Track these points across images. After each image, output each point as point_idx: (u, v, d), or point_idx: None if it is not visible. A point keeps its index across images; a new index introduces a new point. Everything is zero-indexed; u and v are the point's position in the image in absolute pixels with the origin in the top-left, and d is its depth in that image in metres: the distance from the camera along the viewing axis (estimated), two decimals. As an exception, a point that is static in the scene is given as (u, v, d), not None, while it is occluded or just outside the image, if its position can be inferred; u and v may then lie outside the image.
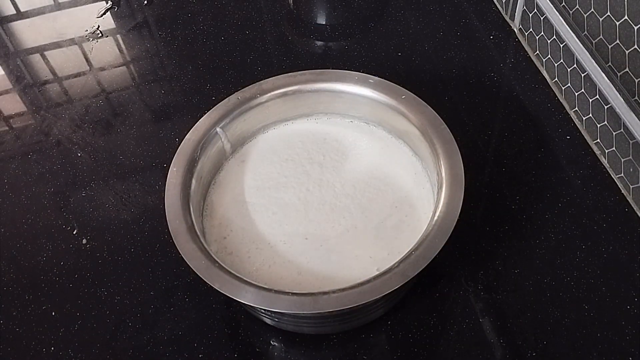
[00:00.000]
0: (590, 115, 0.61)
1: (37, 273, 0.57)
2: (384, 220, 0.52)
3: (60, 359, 0.52)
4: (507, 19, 0.75)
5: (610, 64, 0.57)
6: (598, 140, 0.61)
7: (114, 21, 0.81)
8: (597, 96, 0.59)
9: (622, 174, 0.58)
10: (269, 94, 0.56)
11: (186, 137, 0.53)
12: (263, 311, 0.49)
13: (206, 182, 0.55)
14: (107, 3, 0.82)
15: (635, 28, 0.52)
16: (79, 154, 0.67)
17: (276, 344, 0.52)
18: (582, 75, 0.61)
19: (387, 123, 0.57)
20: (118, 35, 0.80)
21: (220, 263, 0.46)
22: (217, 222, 0.53)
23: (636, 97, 0.54)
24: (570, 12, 0.61)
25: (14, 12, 0.85)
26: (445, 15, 0.77)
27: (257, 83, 0.57)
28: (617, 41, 0.55)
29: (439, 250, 0.45)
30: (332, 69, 0.58)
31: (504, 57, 0.72)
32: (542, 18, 0.66)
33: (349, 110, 0.58)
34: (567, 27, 0.61)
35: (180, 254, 0.46)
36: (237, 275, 0.45)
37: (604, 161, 0.61)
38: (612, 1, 0.54)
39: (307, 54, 0.75)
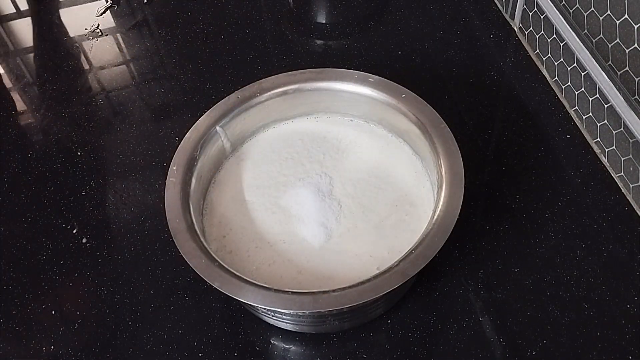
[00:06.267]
0: (590, 114, 0.61)
1: (37, 272, 0.57)
2: (384, 219, 0.52)
3: (60, 358, 0.52)
4: (507, 17, 0.75)
5: (610, 62, 0.56)
6: (598, 139, 0.61)
7: (114, 20, 0.81)
8: (597, 95, 0.59)
9: (622, 173, 0.58)
10: (268, 93, 0.56)
11: (186, 135, 0.53)
12: (263, 310, 0.49)
13: (206, 180, 0.55)
14: (106, 2, 0.82)
15: (636, 27, 0.52)
16: (79, 153, 0.67)
17: (276, 342, 0.52)
18: (582, 74, 0.61)
19: (387, 122, 0.57)
20: (118, 34, 0.80)
21: (220, 262, 0.46)
22: (216, 220, 0.53)
23: (636, 96, 0.54)
24: (570, 11, 0.61)
25: (14, 10, 0.84)
26: (445, 14, 0.77)
27: (257, 82, 0.57)
28: (617, 40, 0.55)
29: (439, 249, 0.45)
30: (332, 67, 0.58)
31: (504, 56, 0.71)
32: (542, 17, 0.66)
33: (348, 109, 0.58)
34: (567, 26, 0.61)
35: (180, 253, 0.46)
36: (237, 274, 0.45)
37: (604, 160, 0.61)
38: (612, 0, 0.54)
39: (307, 52, 0.74)
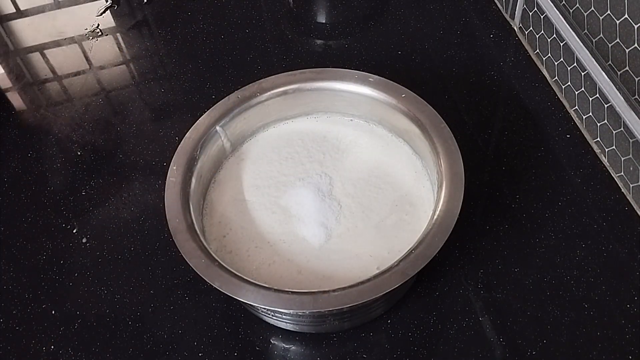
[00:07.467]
0: (590, 113, 0.61)
1: (37, 272, 0.57)
2: (384, 219, 0.52)
3: (60, 357, 0.52)
4: (507, 17, 0.75)
5: (610, 62, 0.56)
6: (598, 138, 0.61)
7: (114, 20, 0.81)
8: (597, 95, 0.59)
9: (622, 173, 0.58)
10: (268, 93, 0.56)
11: (186, 135, 0.53)
12: (263, 310, 0.49)
13: (206, 180, 0.55)
14: (106, 1, 0.82)
15: (636, 27, 0.52)
16: (79, 153, 0.67)
17: (276, 342, 0.52)
18: (582, 74, 0.61)
19: (387, 122, 0.57)
20: (118, 34, 0.80)
21: (220, 262, 0.46)
22: (216, 220, 0.53)
23: (636, 96, 0.54)
24: (570, 10, 0.61)
25: (14, 10, 0.84)
26: (445, 13, 0.77)
27: (257, 82, 0.57)
28: (617, 40, 0.55)
29: (439, 249, 0.45)
30: (332, 67, 0.58)
31: (504, 55, 0.71)
32: (542, 17, 0.66)
33: (349, 108, 0.58)
34: (567, 25, 0.61)
35: (180, 253, 0.46)
36: (237, 274, 0.45)
37: (604, 160, 0.61)
38: (612, 0, 0.54)
39: (307, 52, 0.74)
